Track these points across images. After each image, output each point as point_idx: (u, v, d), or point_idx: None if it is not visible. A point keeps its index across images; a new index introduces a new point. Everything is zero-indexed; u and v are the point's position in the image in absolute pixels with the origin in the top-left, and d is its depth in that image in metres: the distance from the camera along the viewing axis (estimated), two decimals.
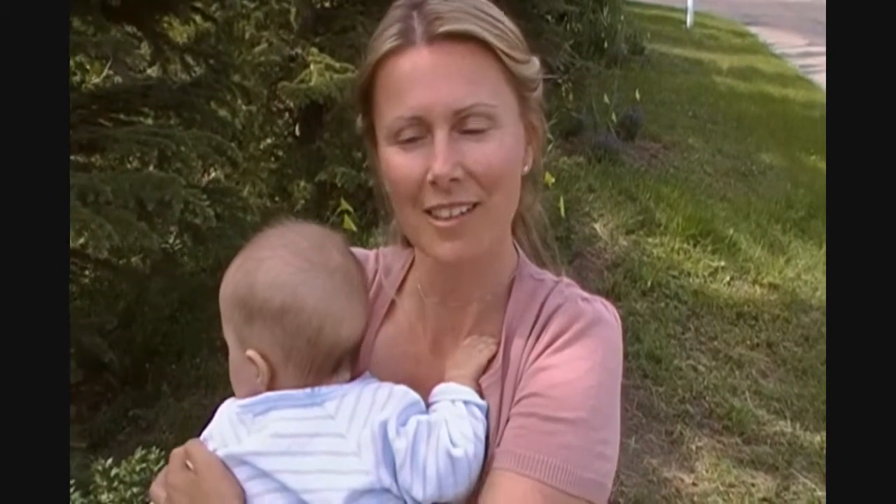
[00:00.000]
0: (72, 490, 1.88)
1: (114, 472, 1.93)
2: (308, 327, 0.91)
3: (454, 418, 0.92)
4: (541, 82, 0.96)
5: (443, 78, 0.87)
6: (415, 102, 0.87)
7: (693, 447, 3.31)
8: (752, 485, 3.13)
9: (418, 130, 0.88)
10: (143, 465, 1.94)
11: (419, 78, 0.87)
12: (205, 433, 0.96)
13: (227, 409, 0.95)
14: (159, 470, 1.95)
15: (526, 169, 0.97)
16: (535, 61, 0.95)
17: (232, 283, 0.95)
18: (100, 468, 1.94)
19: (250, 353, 0.92)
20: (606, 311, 0.97)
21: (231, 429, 0.93)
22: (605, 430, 0.91)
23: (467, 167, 0.88)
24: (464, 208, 0.89)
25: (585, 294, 0.99)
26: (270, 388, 0.93)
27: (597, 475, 0.89)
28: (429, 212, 0.90)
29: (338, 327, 0.92)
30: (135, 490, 1.88)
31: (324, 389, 0.92)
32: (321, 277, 0.92)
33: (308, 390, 0.92)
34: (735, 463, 3.24)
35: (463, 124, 0.87)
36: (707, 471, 3.19)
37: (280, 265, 0.92)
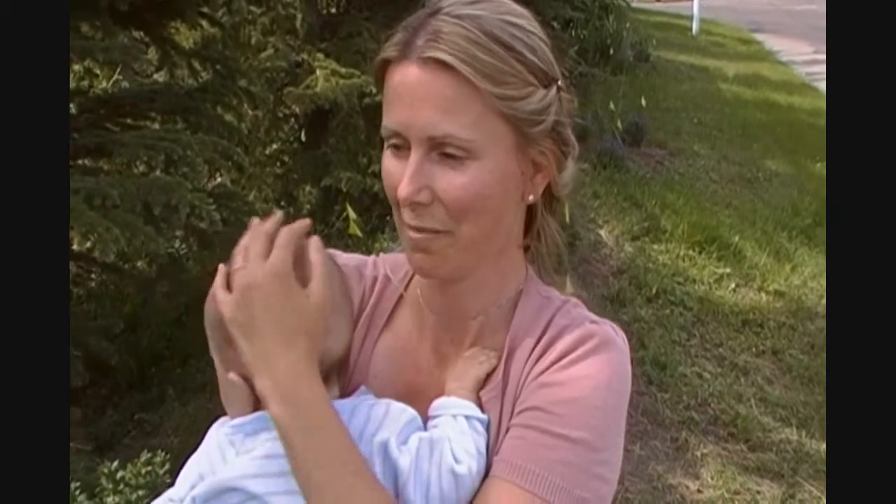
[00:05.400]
0: (77, 492, 1.89)
1: (119, 474, 1.93)
2: None
3: (456, 434, 0.91)
4: (551, 114, 0.91)
5: (421, 101, 0.85)
6: (397, 117, 0.87)
7: (698, 454, 3.31)
8: (758, 492, 3.12)
9: (403, 141, 0.88)
10: (149, 468, 1.94)
11: (403, 96, 0.87)
12: (193, 458, 0.93)
13: (216, 432, 0.93)
14: (165, 473, 1.97)
15: (531, 198, 0.94)
16: (541, 93, 0.90)
17: (211, 302, 0.92)
18: (105, 471, 1.94)
19: (232, 376, 0.90)
20: (615, 335, 0.95)
21: (218, 451, 0.90)
22: (606, 452, 0.89)
23: (436, 193, 0.87)
24: (428, 233, 0.89)
25: (594, 316, 0.97)
26: (257, 409, 0.90)
27: (593, 496, 0.87)
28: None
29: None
30: (140, 493, 1.88)
31: None
32: None
33: None
34: (740, 470, 3.23)
35: (439, 149, 0.86)
36: (712, 478, 3.18)
37: None
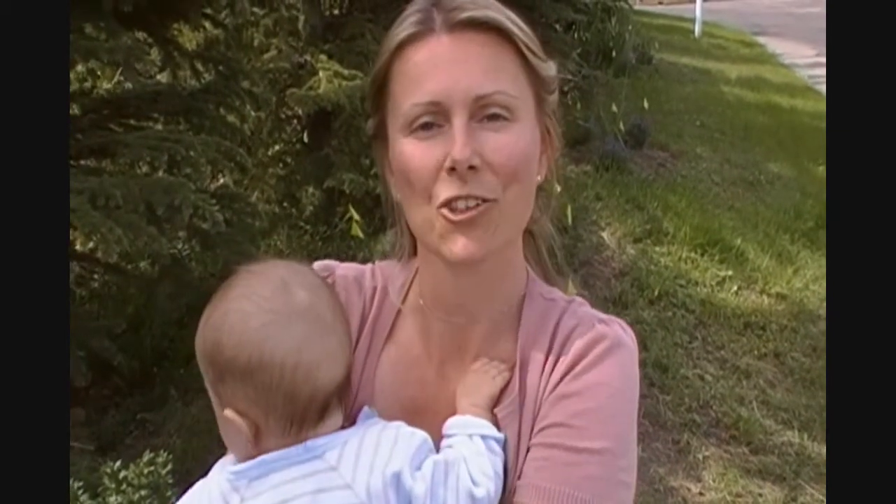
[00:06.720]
0: (80, 492, 1.89)
1: (122, 474, 1.94)
2: (281, 382, 0.86)
3: (473, 455, 0.89)
4: (557, 87, 0.94)
5: (463, 64, 0.85)
6: (433, 87, 0.85)
7: (700, 456, 3.31)
8: (760, 495, 3.12)
9: (435, 118, 0.86)
10: (151, 467, 1.95)
11: (439, 64, 0.86)
12: (194, 500, 0.91)
13: (218, 477, 0.90)
14: (167, 473, 1.97)
15: (539, 178, 0.94)
16: (553, 65, 0.93)
17: (201, 338, 0.90)
18: (108, 470, 1.95)
19: (228, 412, 0.88)
20: (625, 334, 0.94)
21: (221, 499, 0.88)
22: (626, 457, 0.90)
23: (485, 156, 0.85)
24: (480, 201, 0.86)
25: (601, 315, 0.97)
26: (256, 442, 0.88)
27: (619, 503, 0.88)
28: (443, 207, 0.86)
29: (313, 376, 0.87)
30: (143, 493, 1.89)
31: (322, 440, 0.88)
32: (289, 327, 0.87)
33: (305, 444, 0.87)
34: (742, 473, 3.23)
35: (482, 112, 0.85)
36: (714, 480, 3.18)
37: (242, 321, 0.87)
